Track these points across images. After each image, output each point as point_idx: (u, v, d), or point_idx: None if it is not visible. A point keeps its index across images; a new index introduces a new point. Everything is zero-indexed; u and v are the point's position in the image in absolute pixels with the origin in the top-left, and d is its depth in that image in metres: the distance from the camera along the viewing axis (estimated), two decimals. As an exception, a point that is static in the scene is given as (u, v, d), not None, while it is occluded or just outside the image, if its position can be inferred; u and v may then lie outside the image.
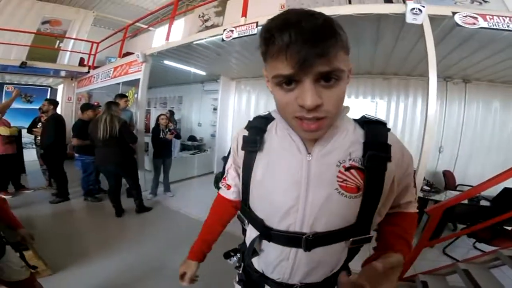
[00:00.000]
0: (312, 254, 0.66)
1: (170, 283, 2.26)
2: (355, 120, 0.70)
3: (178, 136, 4.54)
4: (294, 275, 0.70)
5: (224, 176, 0.91)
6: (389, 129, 0.67)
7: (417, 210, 0.80)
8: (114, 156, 3.34)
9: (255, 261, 0.79)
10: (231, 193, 0.88)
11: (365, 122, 0.68)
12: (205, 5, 4.80)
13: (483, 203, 3.05)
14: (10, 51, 6.22)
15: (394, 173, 0.65)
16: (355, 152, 0.64)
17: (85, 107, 4.01)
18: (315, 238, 0.64)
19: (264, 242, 0.73)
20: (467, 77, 4.32)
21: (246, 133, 0.77)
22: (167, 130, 4.21)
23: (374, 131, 0.66)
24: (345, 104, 0.62)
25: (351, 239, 0.66)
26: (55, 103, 4.04)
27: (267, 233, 0.70)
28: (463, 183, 3.99)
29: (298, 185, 0.64)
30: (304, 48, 0.46)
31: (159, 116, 4.31)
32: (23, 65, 5.81)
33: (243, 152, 0.75)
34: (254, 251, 0.74)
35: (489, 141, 4.38)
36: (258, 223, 0.72)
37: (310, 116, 0.53)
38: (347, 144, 0.64)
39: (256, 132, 0.74)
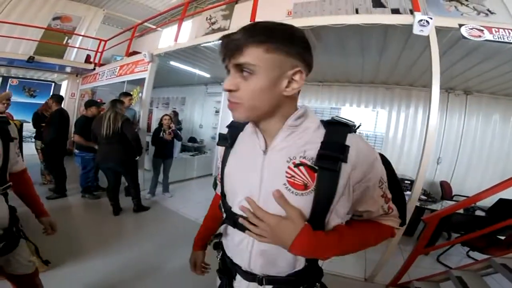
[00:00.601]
0: (266, 244, 0.68)
1: (166, 282, 2.29)
2: (322, 121, 0.71)
3: (178, 137, 4.54)
4: (255, 264, 0.73)
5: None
6: (351, 131, 0.67)
7: (394, 225, 0.79)
8: (116, 154, 3.34)
9: (226, 247, 0.84)
10: (219, 188, 0.93)
11: (328, 123, 0.70)
12: (214, 8, 4.86)
13: (479, 213, 3.09)
14: (19, 45, 6.27)
15: (349, 176, 0.64)
16: (309, 151, 0.65)
17: (89, 104, 4.02)
18: None
19: (229, 227, 0.80)
20: (469, 89, 4.38)
21: (225, 130, 0.86)
22: (169, 130, 4.20)
23: (334, 132, 0.67)
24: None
25: None
26: (58, 100, 4.05)
27: (232, 218, 0.76)
28: (460, 194, 4.03)
29: (254, 177, 0.70)
30: (227, 44, 0.60)
31: (162, 116, 4.32)
32: (30, 59, 5.84)
33: (222, 148, 0.84)
34: (222, 235, 0.86)
35: (487, 153, 4.42)
36: (226, 210, 0.80)
37: (228, 98, 0.65)
38: (302, 142, 0.67)
39: (232, 130, 0.83)
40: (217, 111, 6.83)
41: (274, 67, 0.59)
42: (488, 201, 2.43)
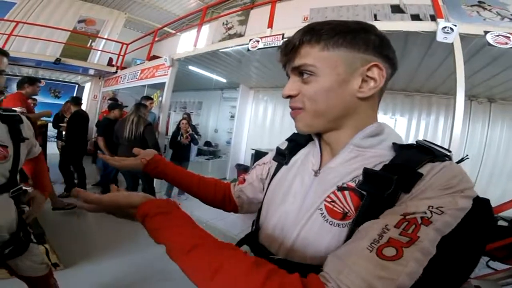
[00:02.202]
0: None
1: (177, 284, 2.30)
2: (395, 145, 0.53)
3: (195, 141, 4.57)
4: None
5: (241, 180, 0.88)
6: (434, 159, 0.46)
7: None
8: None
9: None
10: (237, 187, 0.86)
11: (401, 147, 0.52)
12: (230, 14, 4.96)
13: (501, 223, 2.98)
14: (46, 47, 6.56)
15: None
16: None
17: (112, 107, 4.17)
18: (282, 263, 0.46)
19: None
20: (493, 97, 4.22)
21: (284, 144, 0.75)
22: (186, 134, 4.28)
23: (405, 155, 0.49)
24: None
25: None
26: (76, 102, 4.20)
27: (254, 244, 0.66)
28: (482, 205, 3.86)
29: (293, 202, 0.59)
30: (284, 48, 0.57)
31: (180, 120, 4.42)
32: (57, 61, 6.10)
33: (274, 163, 0.74)
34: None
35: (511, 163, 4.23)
36: (253, 235, 0.69)
37: (290, 105, 0.58)
38: (362, 165, 0.51)
39: (291, 145, 0.72)
40: (232, 116, 6.90)
41: (338, 64, 0.52)
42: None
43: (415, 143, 0.52)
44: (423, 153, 0.48)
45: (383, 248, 0.37)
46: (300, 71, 0.55)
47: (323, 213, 0.51)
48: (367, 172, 0.48)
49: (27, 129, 1.20)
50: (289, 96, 0.57)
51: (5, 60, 1.08)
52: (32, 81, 3.48)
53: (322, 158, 0.60)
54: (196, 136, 4.73)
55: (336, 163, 0.56)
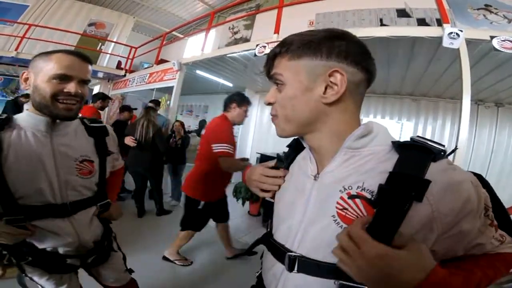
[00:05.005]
0: (296, 280, 0.59)
1: (183, 283, 2.35)
2: (394, 143, 0.55)
3: (186, 141, 4.39)
4: None
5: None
6: (435, 159, 0.50)
7: None
8: (145, 160, 3.49)
9: (263, 266, 0.77)
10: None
11: (402, 146, 0.53)
12: (237, 19, 5.02)
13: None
14: (57, 50, 6.72)
15: (431, 217, 0.47)
16: (371, 181, 0.52)
17: (123, 109, 4.29)
18: (299, 260, 0.58)
19: (265, 248, 0.72)
20: (500, 101, 4.21)
21: (285, 150, 0.79)
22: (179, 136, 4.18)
23: (409, 159, 0.50)
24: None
25: (340, 281, 0.52)
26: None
27: (269, 242, 0.70)
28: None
29: (299, 205, 0.62)
30: (265, 61, 0.63)
31: (174, 123, 4.34)
32: (68, 64, 6.22)
33: None
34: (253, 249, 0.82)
35: (521, 169, 4.18)
36: (268, 233, 0.75)
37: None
38: (365, 169, 0.54)
39: (289, 151, 0.76)
40: (238, 120, 6.91)
41: (300, 72, 0.56)
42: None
43: (410, 140, 0.54)
44: (423, 153, 0.51)
45: (497, 228, 0.57)
46: (274, 81, 0.60)
47: (336, 219, 0.54)
48: (382, 188, 0.49)
49: (112, 141, 1.17)
50: (269, 103, 0.63)
51: (89, 68, 0.98)
52: (105, 97, 3.91)
53: (318, 163, 0.63)
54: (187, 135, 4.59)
55: (332, 167, 0.58)
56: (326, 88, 0.55)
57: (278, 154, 0.79)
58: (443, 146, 0.52)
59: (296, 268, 0.58)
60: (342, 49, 0.54)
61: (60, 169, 0.94)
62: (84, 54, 0.97)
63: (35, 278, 1.01)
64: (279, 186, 0.72)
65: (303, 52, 0.55)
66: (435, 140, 0.55)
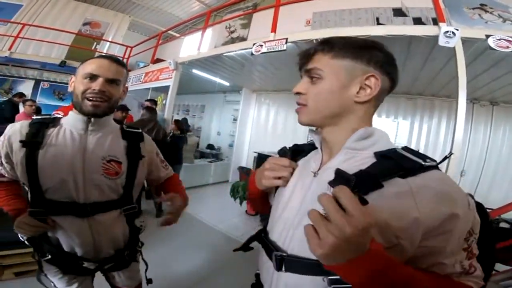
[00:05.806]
0: (286, 278, 0.61)
1: (179, 283, 2.33)
2: (375, 153, 0.59)
3: (182, 140, 4.39)
4: None
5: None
6: (404, 175, 0.53)
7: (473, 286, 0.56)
8: None
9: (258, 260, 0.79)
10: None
11: (381, 156, 0.58)
12: (233, 18, 5.00)
13: (503, 225, 2.99)
14: (51, 49, 6.62)
15: (418, 222, 0.49)
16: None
17: (117, 108, 4.23)
18: (286, 260, 0.61)
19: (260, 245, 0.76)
20: (495, 100, 4.25)
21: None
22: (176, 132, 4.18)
23: (380, 165, 0.56)
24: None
25: (328, 277, 0.54)
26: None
27: (262, 237, 0.74)
28: (485, 206, 3.85)
29: (295, 199, 0.66)
30: (302, 54, 0.67)
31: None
32: (62, 63, 6.16)
33: None
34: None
35: (515, 167, 4.22)
36: (263, 228, 0.78)
37: (296, 101, 0.67)
38: (357, 167, 0.57)
39: (294, 154, 0.79)
40: (234, 119, 6.93)
41: (342, 71, 0.61)
42: (513, 213, 2.35)
43: (400, 152, 0.58)
44: (397, 167, 0.54)
45: (472, 257, 0.56)
46: (310, 74, 0.64)
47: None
48: (338, 172, 0.54)
49: (147, 146, 1.17)
50: (298, 93, 0.66)
51: (119, 69, 1.01)
52: (124, 109, 4.03)
53: (322, 161, 0.68)
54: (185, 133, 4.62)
55: (333, 164, 0.62)
56: (359, 89, 0.61)
57: (283, 148, 0.83)
58: (435, 161, 0.56)
59: (283, 268, 0.61)
60: (379, 59, 0.61)
61: (87, 165, 0.98)
62: (116, 57, 1.05)
63: (49, 275, 1.06)
64: (291, 174, 0.72)
65: (346, 54, 0.61)
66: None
